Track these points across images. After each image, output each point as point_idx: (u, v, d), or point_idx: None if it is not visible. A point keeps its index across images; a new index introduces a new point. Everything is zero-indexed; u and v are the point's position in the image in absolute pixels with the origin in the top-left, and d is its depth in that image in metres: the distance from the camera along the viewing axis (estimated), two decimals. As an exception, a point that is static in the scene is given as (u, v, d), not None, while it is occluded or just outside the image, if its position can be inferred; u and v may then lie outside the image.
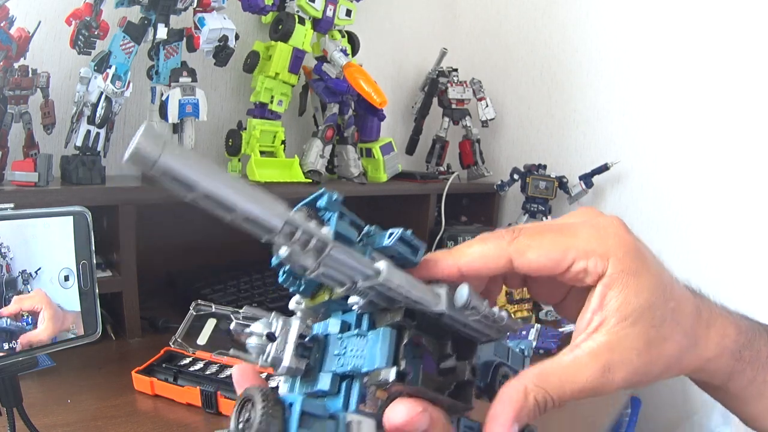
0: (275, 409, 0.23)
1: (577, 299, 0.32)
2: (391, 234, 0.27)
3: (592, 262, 0.30)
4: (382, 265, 0.25)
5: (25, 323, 0.47)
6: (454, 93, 1.47)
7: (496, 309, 0.29)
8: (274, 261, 0.24)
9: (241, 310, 0.80)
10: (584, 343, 0.29)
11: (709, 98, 1.24)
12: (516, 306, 1.10)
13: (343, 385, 0.26)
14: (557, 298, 0.36)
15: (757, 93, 1.17)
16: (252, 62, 1.11)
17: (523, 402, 0.27)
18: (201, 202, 0.21)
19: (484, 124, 1.50)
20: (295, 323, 0.28)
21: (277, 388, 0.28)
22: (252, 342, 0.27)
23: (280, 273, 0.28)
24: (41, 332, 0.48)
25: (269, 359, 0.27)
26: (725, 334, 0.37)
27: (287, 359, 0.27)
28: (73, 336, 0.50)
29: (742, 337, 0.39)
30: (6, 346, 0.45)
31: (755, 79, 1.17)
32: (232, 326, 0.29)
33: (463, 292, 0.27)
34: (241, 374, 0.29)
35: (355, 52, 1.22)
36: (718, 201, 1.23)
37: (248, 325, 0.28)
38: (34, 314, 0.47)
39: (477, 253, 0.30)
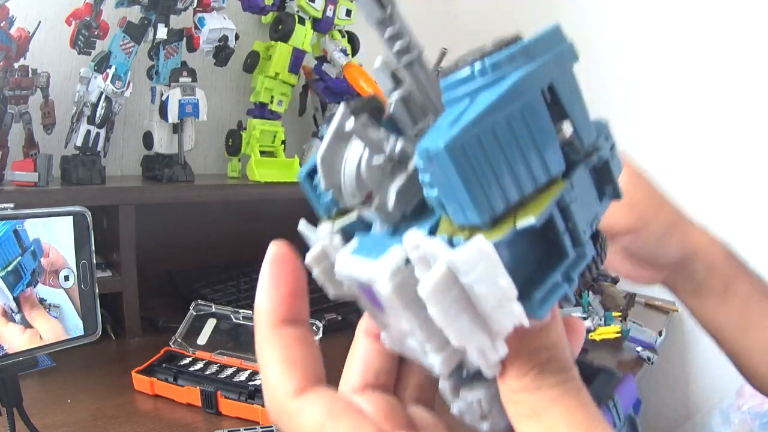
0: None
1: None
2: None
3: None
4: None
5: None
6: (454, 93, 1.47)
7: None
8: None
9: (241, 311, 0.80)
10: None
11: (710, 98, 1.24)
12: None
13: None
14: None
15: (757, 92, 1.17)
16: (252, 62, 1.11)
17: None
18: None
19: (484, 124, 1.50)
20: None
21: None
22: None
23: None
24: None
25: (397, 146, 0.20)
26: (711, 235, 0.50)
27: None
28: (73, 336, 0.50)
29: (728, 247, 0.52)
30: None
31: (756, 78, 1.17)
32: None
33: None
34: (280, 256, 0.21)
35: (355, 52, 1.22)
36: (718, 200, 1.23)
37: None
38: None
39: None
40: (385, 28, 0.20)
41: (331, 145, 0.20)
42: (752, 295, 0.53)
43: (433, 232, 0.18)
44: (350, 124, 0.19)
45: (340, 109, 0.21)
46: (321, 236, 0.21)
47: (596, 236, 0.21)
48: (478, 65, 0.17)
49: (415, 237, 0.16)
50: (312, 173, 0.22)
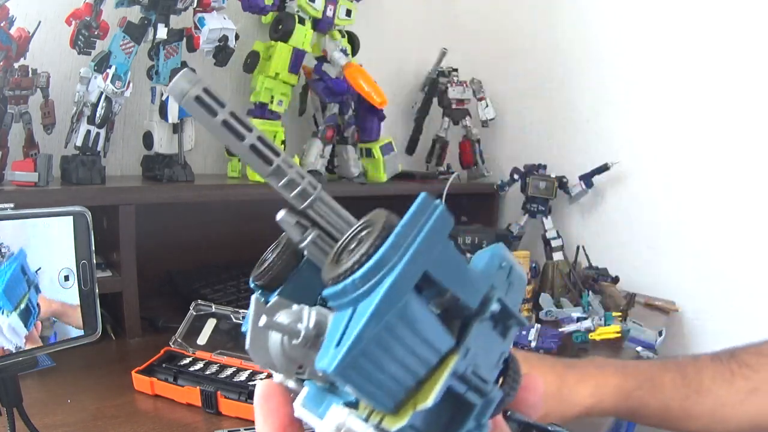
0: None
1: None
2: None
3: None
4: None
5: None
6: (454, 93, 1.47)
7: None
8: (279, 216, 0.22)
9: (241, 311, 0.80)
10: None
11: (709, 98, 1.24)
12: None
13: None
14: None
15: (756, 92, 1.17)
16: (252, 62, 1.11)
17: None
18: (218, 129, 0.21)
19: (484, 124, 1.50)
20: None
21: None
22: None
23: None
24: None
25: (310, 324, 0.21)
26: (602, 384, 0.54)
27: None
28: (73, 336, 0.50)
29: (630, 381, 0.54)
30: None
31: (755, 78, 1.17)
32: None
33: None
34: (266, 393, 0.24)
35: (355, 52, 1.22)
36: (718, 200, 1.23)
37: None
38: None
39: None
40: (279, 179, 0.21)
41: (253, 338, 0.22)
42: (670, 402, 0.56)
43: (356, 403, 0.20)
44: (262, 320, 0.21)
45: (253, 300, 0.24)
46: (280, 380, 0.24)
47: (507, 367, 0.23)
48: (352, 279, 0.18)
49: (341, 414, 0.19)
50: None
